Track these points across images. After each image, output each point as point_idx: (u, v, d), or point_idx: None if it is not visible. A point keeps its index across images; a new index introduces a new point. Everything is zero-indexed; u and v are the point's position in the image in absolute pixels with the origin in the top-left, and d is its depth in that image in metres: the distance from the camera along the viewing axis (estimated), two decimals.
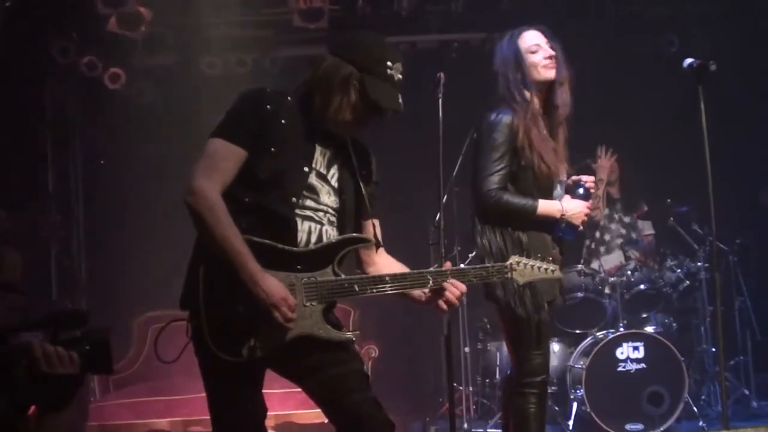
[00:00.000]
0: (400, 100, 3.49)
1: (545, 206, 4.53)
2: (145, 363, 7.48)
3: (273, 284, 3.28)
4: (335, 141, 3.60)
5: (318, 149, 3.55)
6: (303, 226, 3.45)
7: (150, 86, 8.67)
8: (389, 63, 3.47)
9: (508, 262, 3.71)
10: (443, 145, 4.55)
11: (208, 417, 3.53)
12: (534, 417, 4.51)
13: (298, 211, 3.45)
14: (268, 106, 3.45)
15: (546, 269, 3.78)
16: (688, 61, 4.88)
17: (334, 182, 3.59)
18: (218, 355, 3.29)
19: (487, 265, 3.72)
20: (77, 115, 8.89)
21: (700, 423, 7.05)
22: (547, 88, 4.81)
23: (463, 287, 3.56)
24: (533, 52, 4.85)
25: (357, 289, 3.48)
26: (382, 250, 3.79)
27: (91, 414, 6.64)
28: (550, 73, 4.80)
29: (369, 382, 3.55)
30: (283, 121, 3.46)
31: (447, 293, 3.54)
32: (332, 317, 3.54)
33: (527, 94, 4.65)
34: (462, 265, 3.73)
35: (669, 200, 7.77)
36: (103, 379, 7.18)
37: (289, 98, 3.54)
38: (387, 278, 3.53)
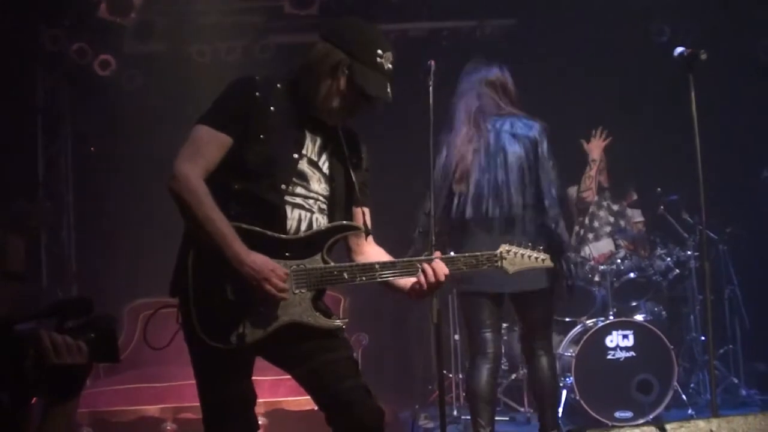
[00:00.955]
0: (389, 89, 3.50)
1: None
2: (136, 350, 7.46)
3: (259, 259, 3.30)
4: (326, 128, 3.61)
5: (308, 136, 3.56)
6: (293, 214, 3.46)
7: (140, 73, 8.66)
8: (380, 51, 3.47)
9: (498, 251, 3.71)
10: (433, 134, 4.56)
11: (199, 404, 3.54)
12: None
13: (288, 198, 3.46)
14: (257, 93, 3.46)
15: (536, 258, 3.79)
16: (679, 49, 4.87)
17: (325, 169, 3.60)
18: (207, 342, 3.31)
19: (477, 253, 3.69)
20: (67, 102, 8.85)
21: (689, 411, 7.07)
22: None
23: (444, 269, 3.55)
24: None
25: (346, 276, 3.49)
26: (371, 239, 3.80)
27: (81, 401, 6.62)
28: None
29: (359, 369, 3.57)
30: (272, 108, 3.47)
31: (428, 275, 3.53)
32: (322, 304, 3.56)
33: None
34: (452, 253, 3.69)
35: (659, 189, 7.78)
36: (94, 366, 7.15)
37: (278, 85, 3.55)
38: (377, 266, 3.54)
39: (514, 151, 5.42)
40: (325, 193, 3.58)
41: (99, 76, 8.40)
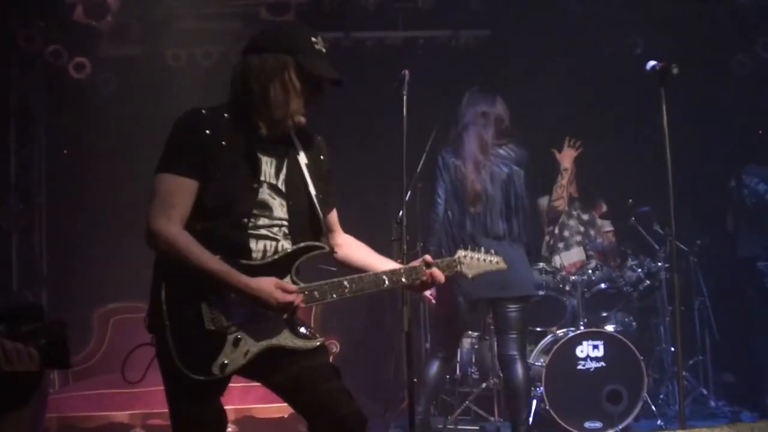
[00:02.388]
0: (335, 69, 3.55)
1: None
2: (105, 355, 7.43)
3: (262, 281, 3.33)
4: (278, 144, 3.59)
5: (263, 160, 3.54)
6: (258, 246, 3.47)
7: (115, 76, 8.62)
8: (313, 39, 3.51)
9: (456, 256, 3.91)
10: (407, 142, 4.58)
11: (167, 410, 3.53)
12: None
13: (251, 232, 3.46)
14: (207, 131, 3.43)
15: (491, 261, 4.01)
16: (651, 63, 4.92)
17: (284, 189, 3.57)
18: (189, 376, 3.29)
19: (437, 260, 3.81)
20: (41, 104, 8.80)
21: (658, 422, 7.11)
22: None
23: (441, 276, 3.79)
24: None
25: (317, 295, 3.52)
26: (341, 233, 3.92)
27: (50, 406, 6.58)
28: None
29: (339, 373, 3.58)
30: (224, 143, 3.44)
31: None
32: (298, 322, 3.56)
33: None
34: (414, 263, 3.76)
35: (630, 200, 7.82)
36: (63, 371, 7.11)
37: (225, 115, 3.52)
38: (345, 283, 3.57)
39: (509, 176, 6.16)
40: (287, 216, 3.56)
41: (74, 79, 8.34)
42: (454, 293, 6.20)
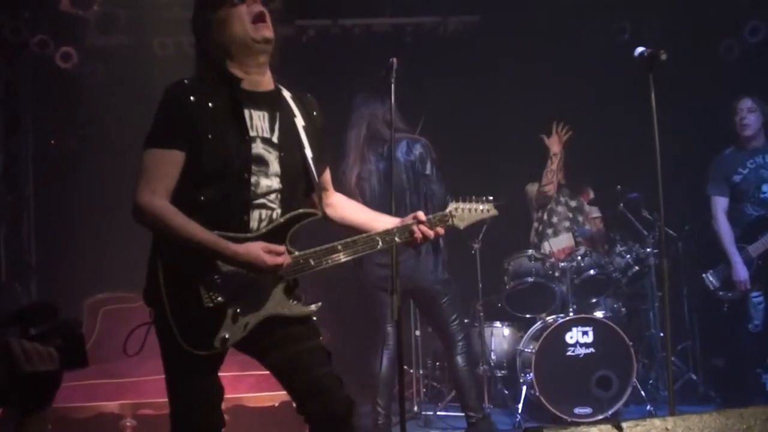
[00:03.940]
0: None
1: None
2: (95, 345, 7.38)
3: (249, 246, 3.37)
4: (268, 99, 3.62)
5: (255, 114, 3.56)
6: (254, 215, 3.49)
7: (102, 66, 8.58)
8: None
9: (447, 210, 3.95)
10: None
11: (159, 400, 3.58)
12: None
13: (253, 201, 3.48)
14: (191, 98, 3.45)
15: (482, 210, 4.04)
16: (639, 49, 4.90)
17: (277, 141, 3.59)
18: (190, 352, 3.35)
19: (429, 216, 3.86)
20: (28, 95, 8.76)
21: (648, 407, 7.14)
22: None
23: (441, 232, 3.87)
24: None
25: (312, 263, 3.55)
26: (333, 192, 3.97)
27: None
28: None
29: (330, 358, 3.63)
30: (210, 105, 3.47)
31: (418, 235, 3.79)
32: (297, 292, 3.61)
33: None
34: (407, 221, 3.82)
35: (619, 186, 7.82)
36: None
37: (207, 78, 3.55)
38: (339, 247, 3.61)
39: (398, 171, 6.15)
40: (279, 171, 3.57)
41: (61, 69, 8.31)
42: (367, 284, 6.32)
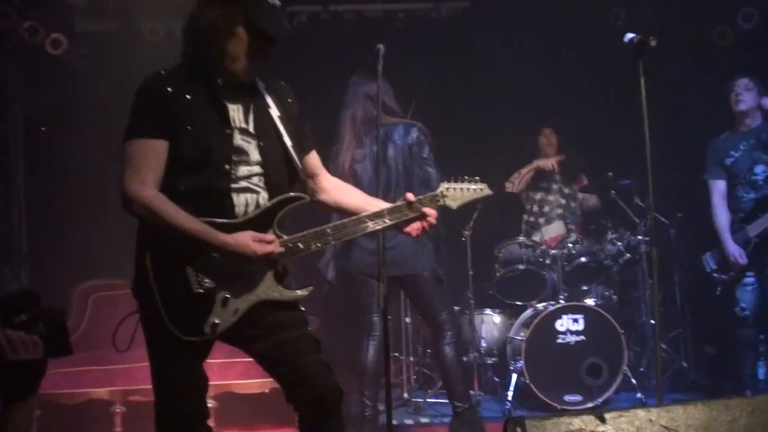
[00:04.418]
0: (286, 23, 3.56)
1: None
2: (85, 332, 7.38)
3: (239, 236, 3.36)
4: (244, 91, 3.59)
5: (230, 107, 3.54)
6: (239, 200, 3.48)
7: (92, 52, 8.51)
8: None
9: (438, 190, 3.89)
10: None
11: (149, 387, 3.58)
12: None
13: (233, 184, 3.46)
14: (168, 89, 3.43)
15: (475, 189, 3.98)
16: (629, 36, 4.89)
17: (254, 130, 3.57)
18: (182, 338, 3.35)
19: (420, 197, 3.83)
20: (18, 81, 8.71)
21: (638, 395, 7.14)
22: None
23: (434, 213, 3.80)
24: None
25: (302, 246, 3.54)
26: (327, 176, 3.92)
27: None
28: None
29: (319, 346, 3.61)
30: (188, 96, 3.45)
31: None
32: (287, 279, 3.60)
33: None
34: (398, 203, 3.79)
35: (610, 173, 7.81)
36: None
37: (183, 71, 3.53)
38: (328, 230, 3.60)
39: (391, 155, 6.07)
40: (261, 159, 3.56)
41: (50, 55, 8.27)
42: (356, 272, 6.27)
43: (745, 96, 6.87)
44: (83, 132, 8.28)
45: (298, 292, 3.58)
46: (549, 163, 8.11)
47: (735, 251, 6.76)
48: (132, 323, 3.51)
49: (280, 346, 3.52)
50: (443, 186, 3.90)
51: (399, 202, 3.77)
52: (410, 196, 3.76)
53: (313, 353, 3.55)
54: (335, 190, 3.91)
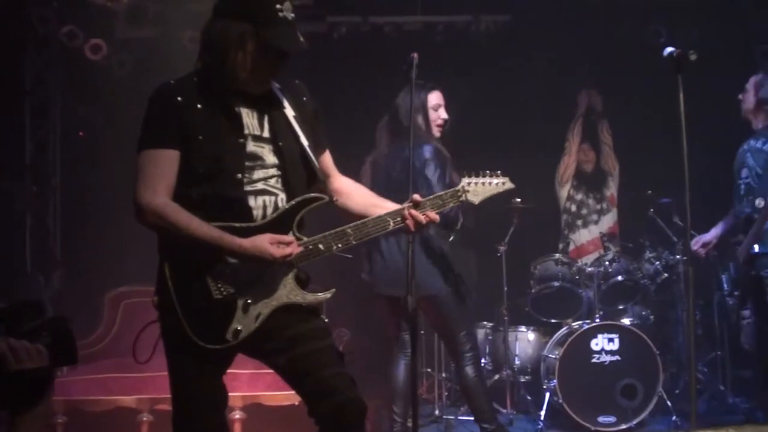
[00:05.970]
0: (301, 38, 3.43)
1: None
2: (115, 339, 7.38)
3: (256, 240, 3.31)
4: (257, 97, 3.54)
5: (244, 113, 3.49)
6: (257, 203, 3.43)
7: (131, 58, 8.56)
8: (278, 6, 3.37)
9: (459, 186, 3.90)
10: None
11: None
12: None
13: (248, 188, 3.42)
14: (179, 98, 3.39)
15: (497, 183, 3.99)
16: (669, 50, 4.79)
17: (271, 137, 3.52)
18: (204, 346, 3.31)
19: (441, 193, 3.85)
20: (57, 86, 8.75)
21: (673, 418, 6.98)
22: None
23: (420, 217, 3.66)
24: (435, 110, 5.99)
25: (322, 248, 3.49)
26: (338, 176, 3.85)
27: (57, 389, 6.53)
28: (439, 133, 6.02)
29: (343, 359, 3.54)
30: (199, 106, 3.40)
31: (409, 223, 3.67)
32: (303, 277, 3.53)
33: None
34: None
35: (650, 191, 7.71)
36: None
37: (195, 79, 3.47)
38: (348, 230, 3.54)
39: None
40: (278, 161, 3.51)
41: (90, 60, 8.31)
42: (379, 290, 6.05)
43: (744, 97, 6.58)
44: (121, 138, 8.24)
45: (320, 295, 3.52)
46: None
47: (702, 239, 6.65)
48: (154, 333, 3.47)
49: (302, 358, 3.45)
50: (464, 181, 3.90)
51: (418, 198, 3.71)
52: (416, 197, 3.72)
53: (336, 366, 3.48)
54: (347, 190, 3.82)
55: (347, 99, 8.44)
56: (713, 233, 6.73)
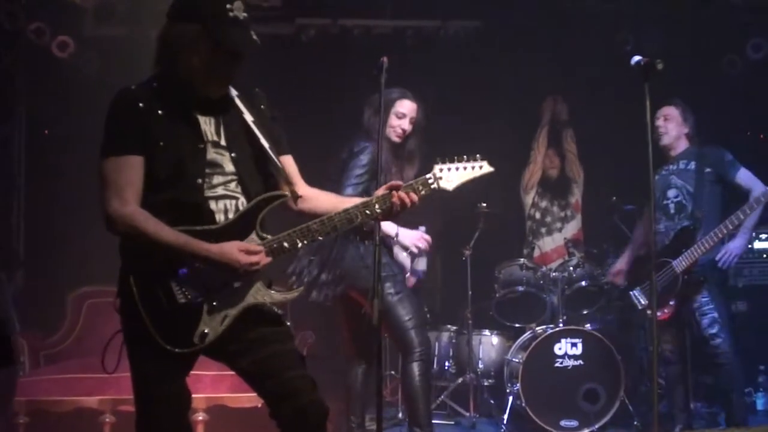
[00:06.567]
0: (254, 37, 3.44)
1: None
2: (78, 339, 7.34)
3: (224, 246, 3.32)
4: (216, 103, 3.53)
5: (202, 120, 3.49)
6: (218, 206, 3.44)
7: (98, 56, 8.47)
8: (228, 6, 3.37)
9: (431, 173, 3.72)
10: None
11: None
12: None
13: (209, 193, 3.43)
14: (140, 104, 3.38)
15: (473, 167, 3.80)
16: (636, 58, 4.83)
17: (225, 143, 3.52)
18: (170, 351, 3.31)
19: (411, 182, 3.70)
20: (22, 83, 8.67)
21: (635, 422, 7.06)
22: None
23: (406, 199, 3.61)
24: (399, 117, 5.88)
25: (287, 245, 3.47)
26: (303, 185, 3.77)
27: (19, 389, 6.50)
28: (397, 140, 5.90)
29: (305, 362, 3.55)
30: (159, 112, 3.40)
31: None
32: (268, 278, 3.52)
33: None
34: (384, 190, 3.66)
35: (614, 198, 7.77)
36: (34, 354, 7.04)
37: (154, 84, 3.47)
38: (314, 226, 3.50)
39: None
40: (234, 169, 3.50)
41: (56, 58, 8.24)
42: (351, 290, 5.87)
43: (665, 127, 6.73)
44: (86, 137, 8.18)
45: (287, 294, 3.54)
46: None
47: (618, 267, 6.92)
48: (118, 339, 3.46)
49: (265, 360, 3.46)
50: (437, 167, 3.73)
51: (385, 190, 3.64)
52: (395, 182, 3.67)
53: (298, 368, 3.49)
54: (311, 196, 3.75)
55: (315, 101, 8.43)
56: (624, 261, 7.05)
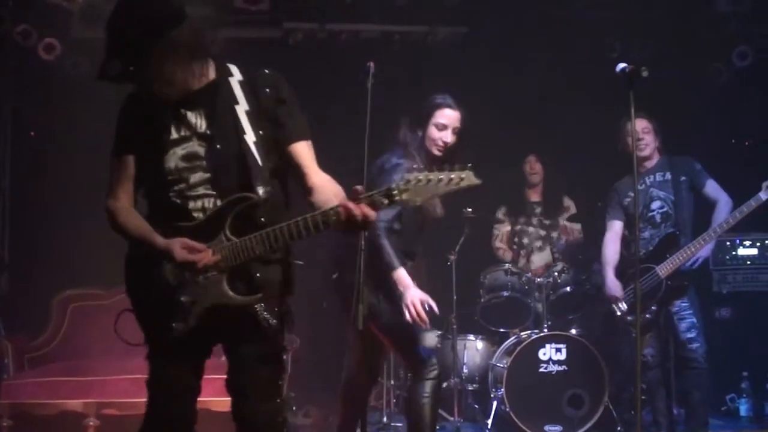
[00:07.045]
0: (205, 31, 3.58)
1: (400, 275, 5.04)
2: (62, 342, 7.33)
3: (171, 242, 3.44)
4: (207, 93, 3.56)
5: (189, 115, 3.54)
6: (196, 204, 3.52)
7: (85, 59, 8.44)
8: None
9: (395, 183, 3.20)
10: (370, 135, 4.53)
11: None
12: None
13: (190, 192, 3.52)
14: (133, 106, 3.62)
15: (451, 179, 3.21)
16: (621, 65, 4.85)
17: (209, 132, 3.55)
18: (153, 337, 3.59)
19: (371, 192, 3.22)
20: (9, 85, 8.64)
21: (618, 428, 7.08)
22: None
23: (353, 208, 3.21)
24: (439, 129, 5.38)
25: (255, 247, 3.43)
26: (316, 172, 3.61)
27: (3, 391, 6.48)
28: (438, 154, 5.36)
29: (271, 362, 3.67)
30: (148, 113, 3.53)
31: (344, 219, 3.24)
32: (238, 278, 3.50)
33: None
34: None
35: (600, 203, 7.78)
36: (18, 357, 7.03)
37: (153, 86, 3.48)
38: (278, 231, 3.38)
39: None
40: (210, 164, 3.52)
41: (43, 60, 8.22)
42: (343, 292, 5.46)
43: (647, 139, 6.83)
44: (72, 140, 8.21)
45: (247, 297, 3.50)
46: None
47: (613, 287, 6.83)
48: (107, 334, 3.61)
49: (242, 386, 3.66)
50: (406, 176, 3.17)
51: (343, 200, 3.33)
52: (358, 187, 3.27)
53: (259, 371, 3.62)
54: (318, 187, 3.55)
55: (302, 105, 8.41)
56: (614, 282, 6.90)
